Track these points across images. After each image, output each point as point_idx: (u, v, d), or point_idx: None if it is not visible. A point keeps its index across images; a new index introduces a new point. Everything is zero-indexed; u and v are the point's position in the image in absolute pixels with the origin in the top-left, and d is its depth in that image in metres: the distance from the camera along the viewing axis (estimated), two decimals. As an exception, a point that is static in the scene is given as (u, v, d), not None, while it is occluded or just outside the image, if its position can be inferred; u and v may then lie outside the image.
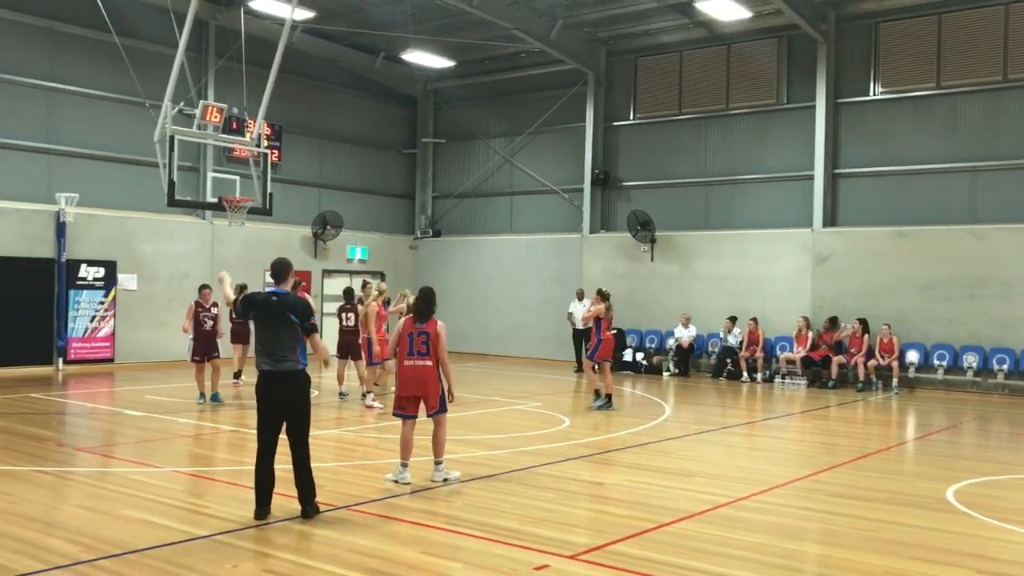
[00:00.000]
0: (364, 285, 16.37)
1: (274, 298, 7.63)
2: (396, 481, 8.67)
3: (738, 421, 14.78)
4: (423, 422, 9.02)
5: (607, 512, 7.98)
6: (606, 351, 14.85)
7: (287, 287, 7.84)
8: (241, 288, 15.12)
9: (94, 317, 19.76)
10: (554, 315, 23.76)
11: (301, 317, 7.56)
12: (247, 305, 7.82)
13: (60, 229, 19.10)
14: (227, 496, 8.22)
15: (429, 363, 8.74)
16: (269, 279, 8.05)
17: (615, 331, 22.10)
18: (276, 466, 7.55)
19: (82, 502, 8.01)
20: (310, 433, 7.65)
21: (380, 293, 15.01)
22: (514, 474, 9.32)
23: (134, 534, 6.87)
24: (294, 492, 7.53)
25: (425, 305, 8.89)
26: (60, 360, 19.21)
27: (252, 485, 7.47)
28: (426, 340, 8.75)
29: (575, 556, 6.47)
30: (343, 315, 15.40)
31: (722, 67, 22.18)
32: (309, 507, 7.46)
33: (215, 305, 14.38)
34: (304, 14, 20.31)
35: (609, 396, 14.71)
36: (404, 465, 8.78)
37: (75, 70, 19.80)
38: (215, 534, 6.90)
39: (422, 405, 8.87)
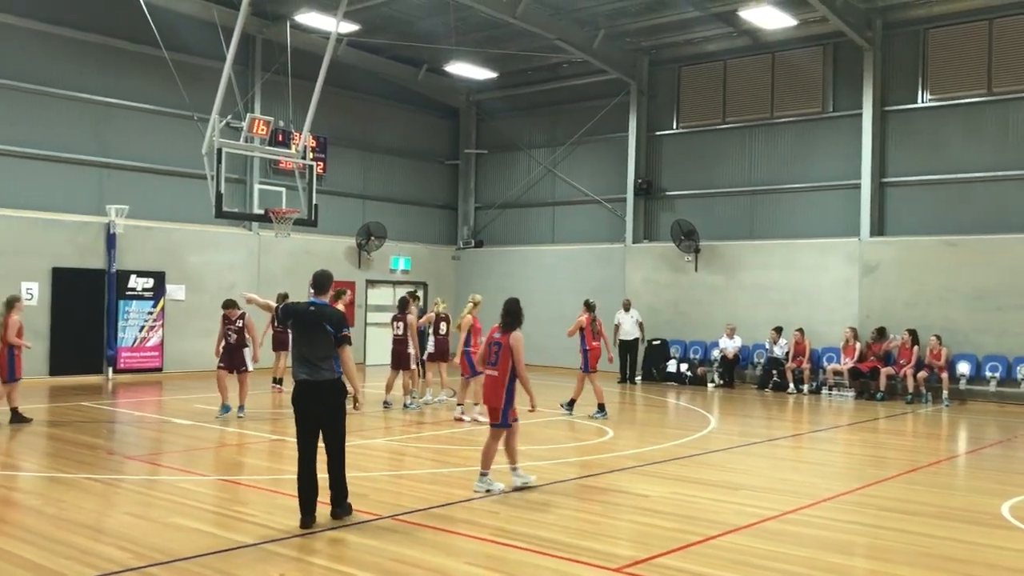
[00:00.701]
0: (409, 297, 16.42)
1: (312, 308, 7.77)
2: (488, 491, 8.74)
3: (784, 433, 14.60)
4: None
5: (652, 524, 7.91)
6: (592, 362, 15.00)
7: (327, 298, 7.98)
8: (283, 297, 15.48)
9: (143, 327, 20.10)
10: (597, 325, 23.66)
11: (336, 328, 7.66)
12: (286, 313, 8.01)
13: (110, 240, 19.47)
14: (272, 504, 8.29)
15: (495, 374, 8.90)
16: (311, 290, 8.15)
17: (658, 341, 22.13)
18: (318, 474, 7.63)
19: (131, 509, 8.13)
20: (345, 439, 7.78)
21: (475, 304, 14.67)
22: (558, 485, 9.28)
23: (182, 541, 6.95)
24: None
25: (505, 316, 9.11)
26: (110, 369, 19.56)
27: (295, 494, 7.55)
28: (498, 351, 8.93)
29: (620, 569, 6.42)
30: (395, 324, 15.46)
31: (767, 75, 22.00)
32: (339, 508, 7.65)
33: (241, 317, 14.24)
34: (349, 27, 20.55)
35: (602, 405, 14.92)
36: (483, 474, 8.85)
37: (126, 85, 20.20)
38: (261, 542, 6.96)
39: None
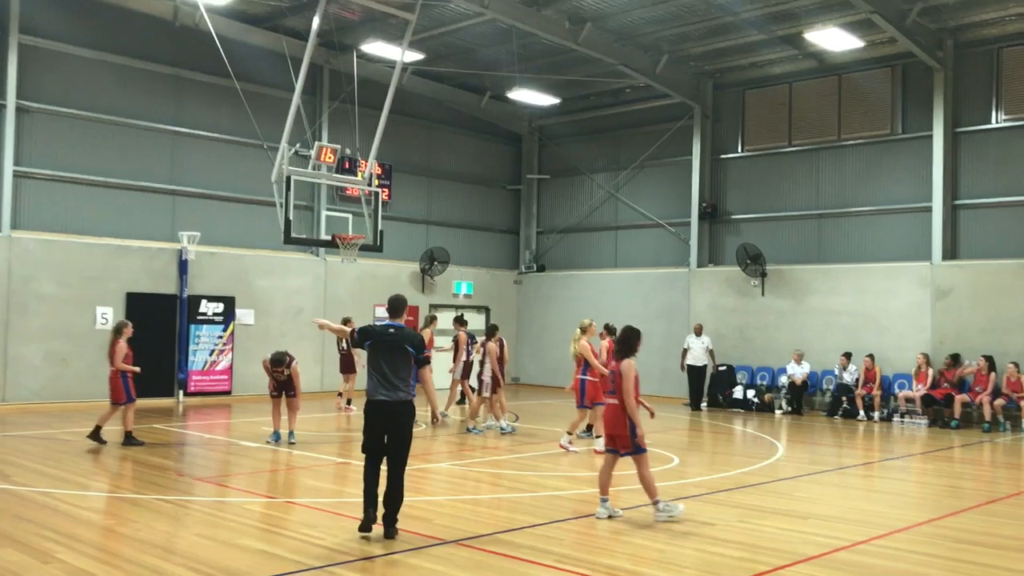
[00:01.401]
0: (457, 320, 16.74)
1: (391, 330, 8.01)
2: (610, 516, 8.73)
3: (855, 461, 14.25)
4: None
5: (719, 553, 7.77)
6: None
7: (402, 321, 8.22)
8: (345, 321, 15.77)
9: (213, 351, 20.51)
10: (660, 351, 23.44)
11: (416, 349, 7.97)
12: (364, 335, 8.11)
13: (182, 266, 19.95)
14: (338, 527, 8.35)
15: (614, 402, 8.91)
16: (380, 313, 8.37)
17: (724, 367, 21.84)
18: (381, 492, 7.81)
19: (201, 530, 8.26)
20: (408, 461, 7.97)
21: (583, 331, 13.64)
22: (624, 512, 9.17)
23: (249, 563, 7.04)
24: (411, 525, 7.62)
25: (619, 343, 9.13)
26: (181, 392, 19.98)
27: (360, 516, 7.68)
28: (615, 379, 8.95)
29: (687, 598, 6.31)
30: (475, 351, 15.76)
31: (833, 97, 21.70)
32: (391, 529, 7.76)
33: (288, 365, 13.77)
34: (414, 56, 20.85)
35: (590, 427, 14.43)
36: (603, 500, 8.82)
37: (198, 114, 20.76)
38: (327, 565, 7.01)
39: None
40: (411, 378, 7.97)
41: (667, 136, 24.36)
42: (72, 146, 18.96)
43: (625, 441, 8.80)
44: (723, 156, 23.67)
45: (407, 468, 8.03)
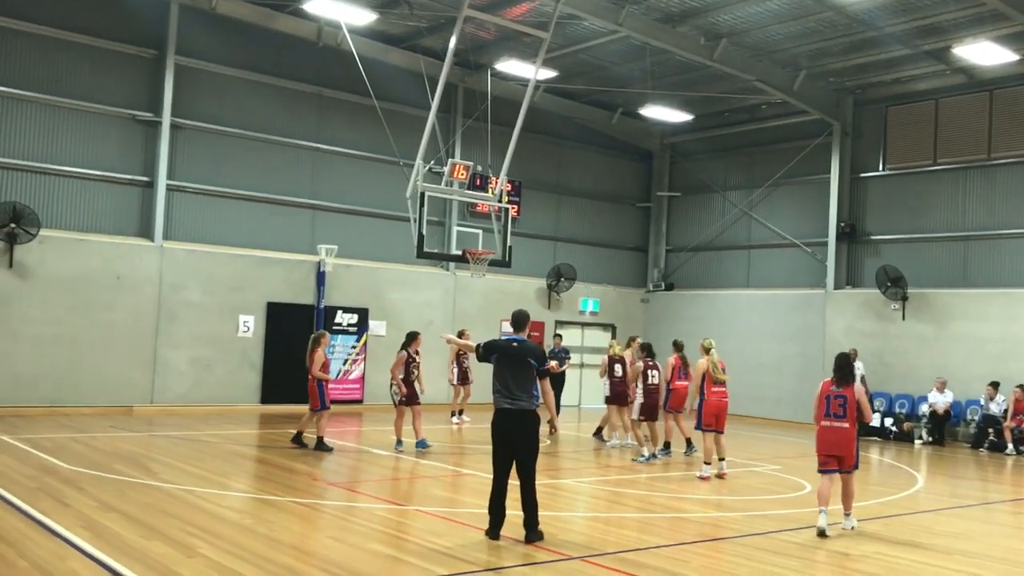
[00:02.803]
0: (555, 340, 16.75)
1: (515, 344, 8.45)
2: (823, 530, 9.09)
3: (1002, 497, 13.47)
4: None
5: (854, 585, 7.48)
6: (678, 401, 14.89)
7: (525, 335, 8.69)
8: (460, 333, 16.18)
9: (347, 360, 21.11)
10: (794, 374, 22.82)
11: (539, 361, 8.39)
12: (489, 349, 8.55)
13: (320, 278, 20.65)
14: (465, 536, 8.45)
15: (846, 425, 9.36)
16: (507, 328, 8.60)
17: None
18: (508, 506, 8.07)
19: (333, 534, 8.50)
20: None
21: (706, 351, 13.43)
22: (751, 538, 8.95)
23: (379, 567, 7.21)
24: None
25: (840, 371, 9.56)
26: (315, 400, 20.60)
27: (485, 527, 7.92)
28: (843, 403, 9.38)
29: (820, 629, 6.09)
30: (648, 373, 14.78)
31: (983, 114, 20.69)
32: (532, 533, 8.12)
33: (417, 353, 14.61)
34: (546, 74, 21.02)
35: (668, 444, 14.96)
36: (822, 511, 9.26)
37: (338, 131, 21.51)
38: (455, 573, 7.10)
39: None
40: (533, 389, 8.35)
41: (804, 153, 23.71)
42: (220, 162, 19.94)
43: (851, 461, 9.47)
44: (863, 175, 22.87)
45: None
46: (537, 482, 8.26)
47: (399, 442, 14.37)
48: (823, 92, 22.59)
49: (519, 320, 8.73)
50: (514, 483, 8.22)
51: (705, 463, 12.86)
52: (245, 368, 19.84)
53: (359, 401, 21.15)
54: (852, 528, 9.44)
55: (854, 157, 23.01)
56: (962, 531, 10.13)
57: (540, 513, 8.21)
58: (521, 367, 8.32)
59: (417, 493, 11.22)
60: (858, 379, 20.35)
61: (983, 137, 20.66)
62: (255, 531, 8.32)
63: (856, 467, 9.57)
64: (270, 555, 7.43)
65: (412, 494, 11.14)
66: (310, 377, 14.02)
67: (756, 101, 23.69)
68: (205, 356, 19.30)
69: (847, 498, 9.52)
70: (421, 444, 14.29)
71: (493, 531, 8.18)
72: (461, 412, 18.99)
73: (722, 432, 13.01)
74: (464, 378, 19.09)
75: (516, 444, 8.23)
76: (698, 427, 13.06)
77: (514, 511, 8.25)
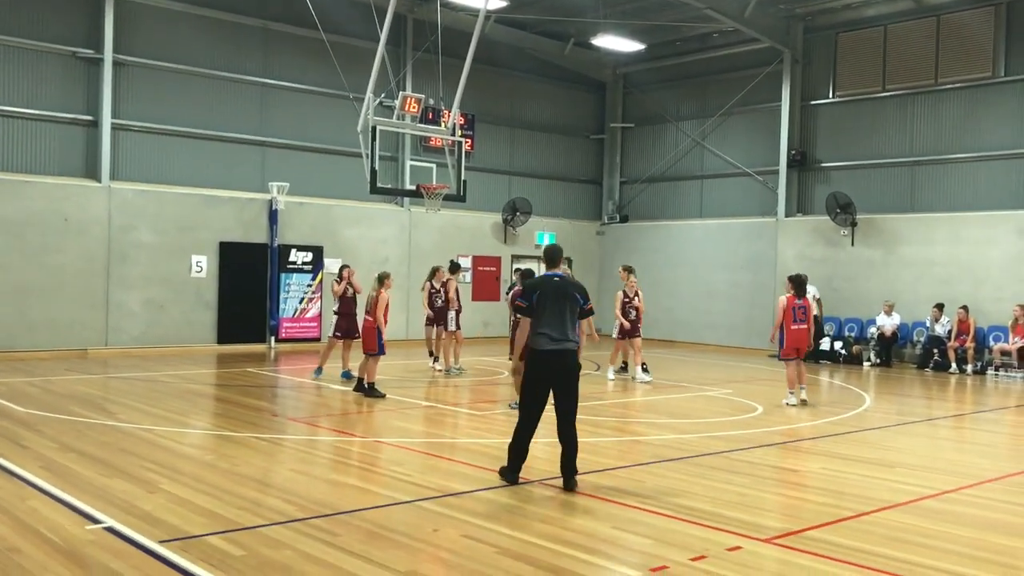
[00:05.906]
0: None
1: (556, 279, 7.90)
2: (788, 404, 12.88)
3: (945, 413, 13.96)
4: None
5: (802, 499, 7.77)
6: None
7: (561, 270, 8.09)
8: (434, 270, 16.10)
9: (303, 299, 21.05)
10: (746, 301, 23.23)
11: (584, 298, 7.93)
12: (533, 287, 7.90)
13: (272, 216, 20.45)
14: (426, 466, 8.59)
15: (805, 326, 12.97)
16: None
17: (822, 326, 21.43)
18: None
19: (294, 466, 8.59)
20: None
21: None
22: (705, 458, 9.21)
23: (342, 496, 7.32)
24: (494, 465, 7.78)
25: (800, 287, 12.98)
26: (272, 338, 20.61)
27: (449, 457, 7.84)
28: (804, 311, 12.98)
29: (769, 540, 6.35)
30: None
31: (931, 40, 20.86)
32: (571, 480, 7.70)
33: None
34: (497, 4, 20.73)
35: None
36: (791, 392, 13.06)
37: (286, 66, 21.10)
38: (416, 500, 7.24)
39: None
40: (576, 327, 7.82)
41: (755, 82, 23.78)
42: (165, 99, 19.49)
43: (804, 349, 13.17)
44: (813, 102, 23.03)
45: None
46: (499, 411, 8.28)
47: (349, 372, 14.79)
48: (774, 19, 22.58)
49: (553, 255, 8.05)
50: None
51: (790, 392, 13.28)
52: (200, 308, 19.69)
53: (316, 339, 21.12)
54: (803, 391, 13.06)
55: (804, 85, 23.13)
56: (906, 446, 10.50)
57: (502, 440, 8.22)
58: (568, 304, 7.75)
59: (377, 425, 11.33)
60: (811, 299, 20.95)
61: (930, 63, 20.87)
62: (216, 466, 8.38)
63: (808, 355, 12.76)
64: (232, 488, 7.51)
65: (372, 427, 11.25)
66: (369, 320, 13.18)
67: (707, 30, 23.63)
68: (158, 297, 19.12)
69: (802, 376, 13.16)
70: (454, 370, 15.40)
71: (513, 474, 7.80)
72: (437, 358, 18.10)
73: (804, 360, 13.52)
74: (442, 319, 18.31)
75: (565, 387, 7.72)
76: (781, 357, 13.45)
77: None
